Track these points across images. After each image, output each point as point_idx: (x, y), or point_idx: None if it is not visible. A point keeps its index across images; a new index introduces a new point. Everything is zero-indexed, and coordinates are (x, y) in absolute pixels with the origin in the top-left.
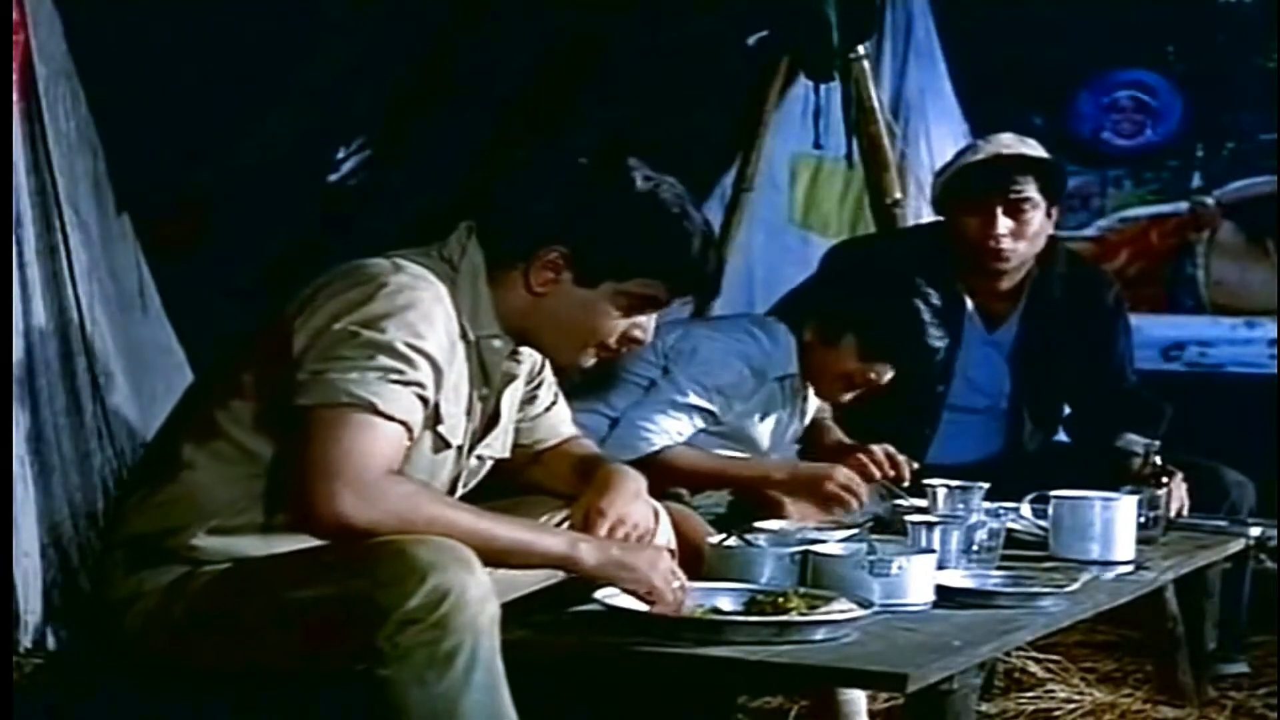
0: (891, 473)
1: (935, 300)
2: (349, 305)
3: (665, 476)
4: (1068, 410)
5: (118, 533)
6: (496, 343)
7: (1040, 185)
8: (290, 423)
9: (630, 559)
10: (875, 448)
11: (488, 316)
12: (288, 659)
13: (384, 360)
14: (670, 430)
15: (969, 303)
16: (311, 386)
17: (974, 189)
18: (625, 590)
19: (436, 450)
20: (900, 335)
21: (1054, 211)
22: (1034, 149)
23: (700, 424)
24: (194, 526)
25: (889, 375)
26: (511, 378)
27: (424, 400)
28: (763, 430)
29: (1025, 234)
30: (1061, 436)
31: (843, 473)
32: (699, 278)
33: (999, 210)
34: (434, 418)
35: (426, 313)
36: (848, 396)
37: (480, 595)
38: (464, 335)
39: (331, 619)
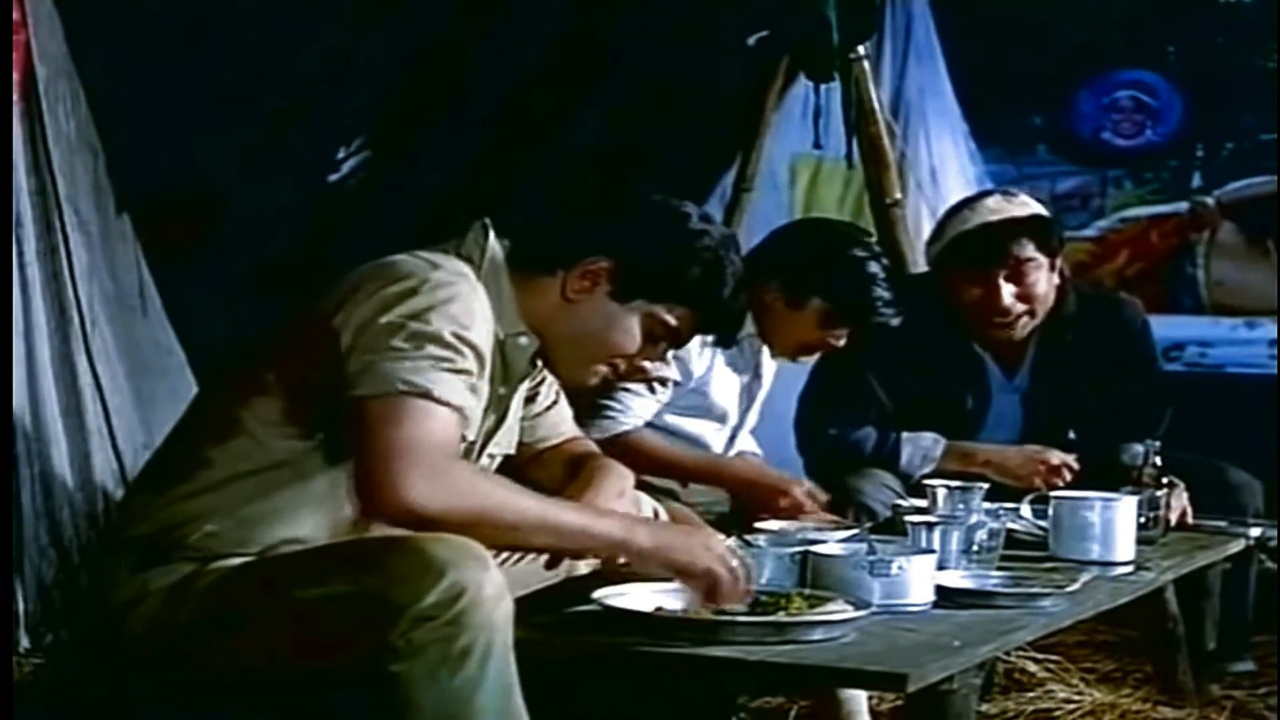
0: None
1: (885, 260)
2: (393, 300)
3: (628, 460)
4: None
5: (123, 534)
6: (523, 340)
7: (1038, 243)
8: (342, 416)
9: (686, 541)
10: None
11: (512, 315)
12: (296, 657)
13: (434, 350)
14: (637, 409)
15: (986, 357)
16: (365, 377)
17: (972, 261)
18: (680, 578)
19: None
20: (864, 302)
21: (1057, 264)
22: (1023, 206)
23: (665, 397)
24: (205, 518)
25: (844, 340)
26: (525, 377)
27: (473, 389)
28: (728, 397)
29: (1033, 296)
30: None
31: (802, 489)
32: (725, 315)
33: (1001, 278)
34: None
35: (469, 306)
36: (804, 358)
37: (495, 592)
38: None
39: (344, 616)
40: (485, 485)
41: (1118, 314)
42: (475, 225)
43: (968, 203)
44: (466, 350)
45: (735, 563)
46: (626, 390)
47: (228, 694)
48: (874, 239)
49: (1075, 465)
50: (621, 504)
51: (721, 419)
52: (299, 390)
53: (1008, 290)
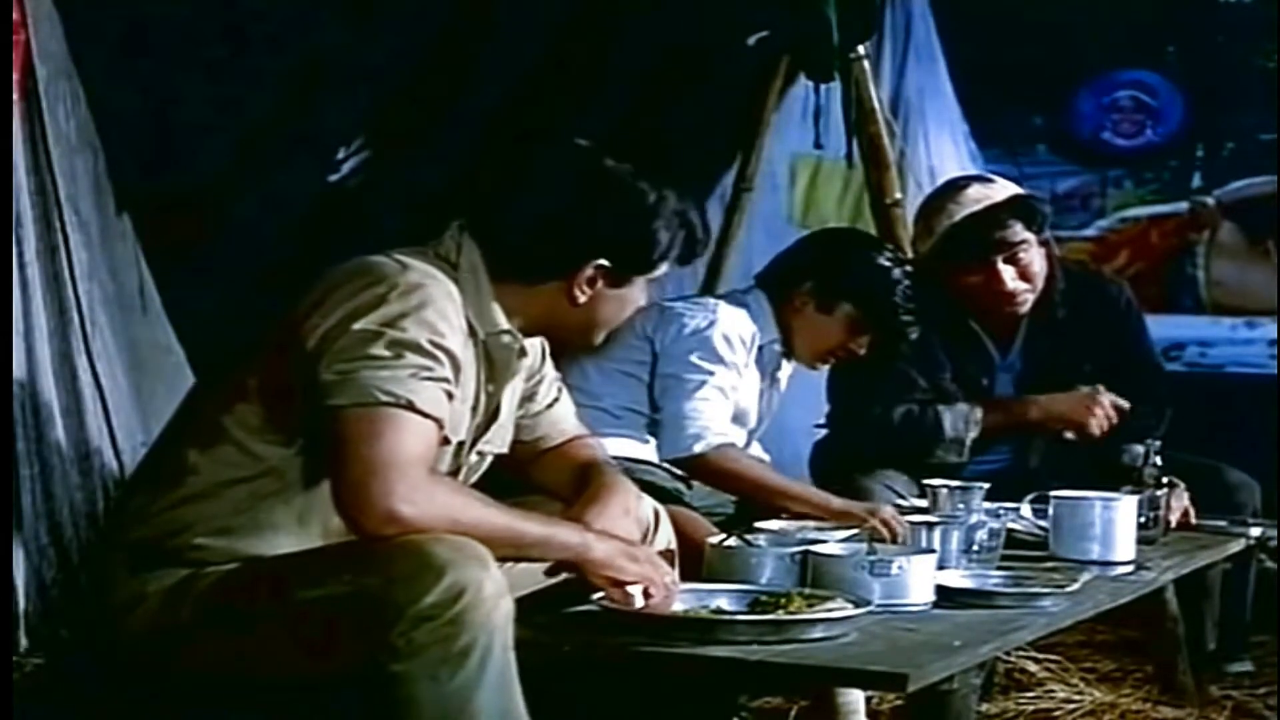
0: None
1: (909, 269)
2: (365, 306)
3: (719, 480)
4: None
5: (119, 537)
6: (506, 338)
7: (1024, 223)
8: (318, 424)
9: (633, 550)
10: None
11: (493, 314)
12: (295, 658)
13: (413, 358)
14: (717, 421)
15: (985, 337)
16: (343, 386)
17: (968, 253)
18: (619, 583)
19: (454, 472)
20: (892, 309)
21: (1044, 241)
22: (1002, 189)
23: (733, 400)
24: (197, 528)
25: (864, 348)
26: (514, 374)
27: (450, 395)
28: (750, 400)
29: (1030, 274)
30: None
31: (886, 512)
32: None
33: (1000, 263)
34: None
35: (442, 310)
36: (824, 364)
37: (495, 592)
38: (472, 332)
39: (343, 616)
40: (458, 499)
41: (1103, 291)
42: (451, 226)
43: (947, 194)
44: (443, 357)
45: (669, 578)
46: (704, 400)
47: (227, 695)
48: (893, 246)
49: (1123, 404)
50: (626, 522)
51: (743, 421)
52: (278, 396)
53: (1009, 273)
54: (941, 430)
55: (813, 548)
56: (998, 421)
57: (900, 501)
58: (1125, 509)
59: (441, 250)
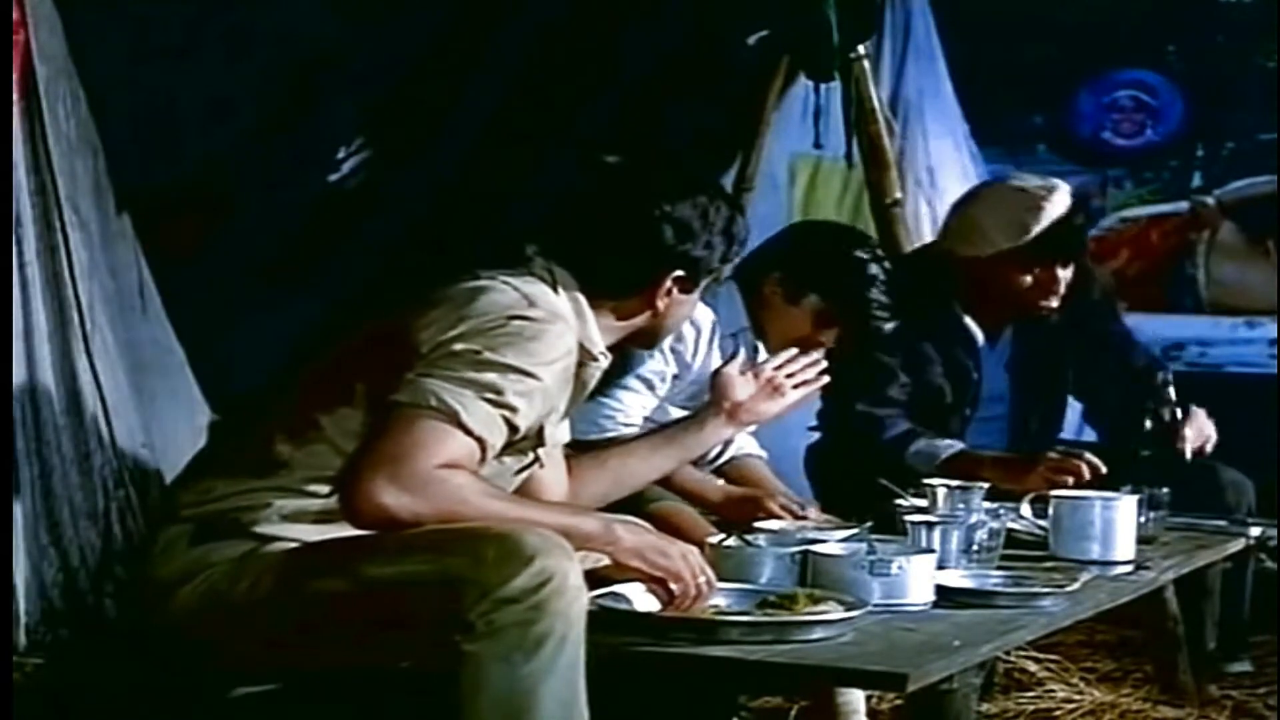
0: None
1: (888, 265)
2: (476, 332)
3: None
4: (1082, 405)
5: (185, 511)
6: (602, 360)
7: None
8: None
9: (666, 546)
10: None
11: (597, 336)
12: (350, 636)
13: (489, 377)
14: (634, 407)
15: (974, 328)
16: (410, 387)
17: (1064, 251)
18: (651, 577)
19: (525, 468)
20: (861, 303)
21: None
22: (1066, 192)
23: (662, 392)
24: (270, 514)
25: (833, 340)
26: (590, 390)
27: (512, 426)
28: None
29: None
30: (1065, 434)
31: (777, 500)
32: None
33: (1061, 266)
34: (536, 439)
35: (551, 345)
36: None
37: (578, 584)
38: (581, 358)
39: (415, 595)
40: (469, 494)
41: (1090, 289)
42: (533, 256)
43: (1042, 197)
44: (526, 384)
45: (703, 578)
46: (625, 389)
47: (248, 682)
48: (876, 242)
49: (1096, 463)
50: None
51: None
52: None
53: (1065, 274)
54: (902, 455)
55: (812, 547)
56: (951, 469)
57: (900, 501)
58: (1125, 509)
59: (536, 276)
